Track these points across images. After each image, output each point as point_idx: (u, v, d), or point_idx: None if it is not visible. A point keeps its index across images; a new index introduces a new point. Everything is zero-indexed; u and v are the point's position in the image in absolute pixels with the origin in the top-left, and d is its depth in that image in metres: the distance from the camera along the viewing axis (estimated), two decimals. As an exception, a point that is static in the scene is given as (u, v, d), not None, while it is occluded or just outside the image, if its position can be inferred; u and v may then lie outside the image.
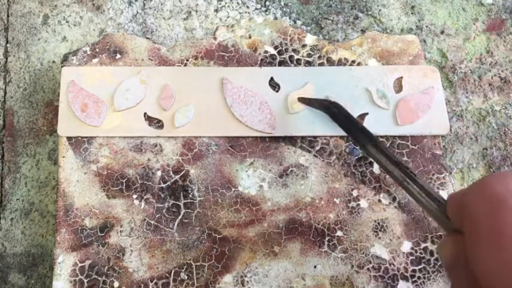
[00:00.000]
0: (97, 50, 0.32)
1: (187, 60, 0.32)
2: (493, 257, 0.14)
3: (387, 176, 0.30)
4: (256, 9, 0.37)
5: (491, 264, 0.15)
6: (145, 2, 0.37)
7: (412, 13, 0.37)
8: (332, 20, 0.36)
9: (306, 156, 0.30)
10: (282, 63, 0.32)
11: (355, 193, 0.30)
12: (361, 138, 0.27)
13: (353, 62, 0.32)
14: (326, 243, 0.29)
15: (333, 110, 0.29)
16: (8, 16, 0.36)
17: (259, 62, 0.32)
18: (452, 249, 0.17)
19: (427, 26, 0.36)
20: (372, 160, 0.28)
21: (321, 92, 0.31)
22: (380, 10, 0.37)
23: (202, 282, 0.28)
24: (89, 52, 0.32)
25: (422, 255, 0.28)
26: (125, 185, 0.29)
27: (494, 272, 0.14)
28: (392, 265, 0.28)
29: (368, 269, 0.28)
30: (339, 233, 0.29)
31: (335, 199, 0.29)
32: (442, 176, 0.30)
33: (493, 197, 0.15)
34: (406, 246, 0.29)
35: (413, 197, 0.23)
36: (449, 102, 0.34)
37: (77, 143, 0.30)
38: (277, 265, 0.28)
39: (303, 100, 0.30)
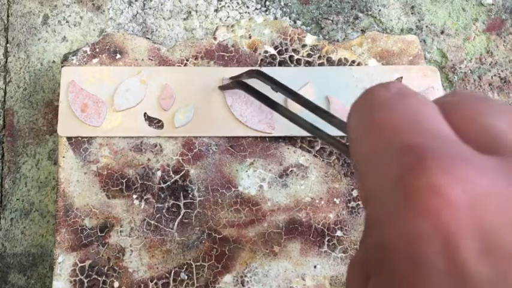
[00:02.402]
0: (97, 50, 0.32)
1: (187, 60, 0.32)
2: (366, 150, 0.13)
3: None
4: (256, 9, 0.37)
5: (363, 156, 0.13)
6: (145, 2, 0.37)
7: (412, 13, 0.37)
8: (332, 20, 0.36)
9: (306, 156, 0.30)
10: (282, 63, 0.32)
11: (355, 193, 0.30)
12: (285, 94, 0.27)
13: (353, 62, 0.32)
14: (326, 243, 0.29)
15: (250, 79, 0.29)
16: (8, 16, 0.36)
17: (259, 62, 0.32)
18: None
19: (427, 26, 0.36)
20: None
21: (321, 92, 0.31)
22: (380, 10, 0.37)
23: (202, 282, 0.28)
24: (89, 52, 0.32)
25: None
26: (125, 185, 0.29)
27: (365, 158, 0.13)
28: (392, 265, 0.28)
29: (368, 269, 0.28)
30: (339, 233, 0.29)
31: (335, 199, 0.29)
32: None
33: (370, 97, 0.14)
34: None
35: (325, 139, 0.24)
36: (449, 102, 0.34)
37: (77, 143, 0.30)
38: (277, 265, 0.28)
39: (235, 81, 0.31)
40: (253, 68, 0.29)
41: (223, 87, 0.31)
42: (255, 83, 0.29)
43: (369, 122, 0.13)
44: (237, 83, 0.30)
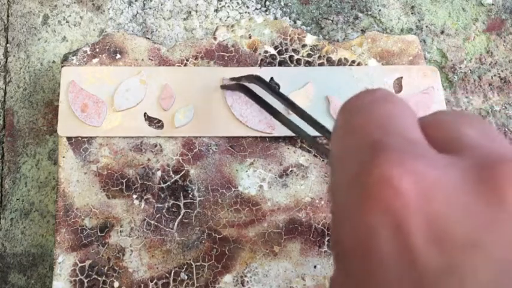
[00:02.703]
0: (97, 50, 0.32)
1: (187, 60, 0.32)
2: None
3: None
4: (256, 9, 0.37)
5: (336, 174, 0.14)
6: (145, 2, 0.37)
7: (412, 13, 0.37)
8: (332, 20, 0.37)
9: (306, 156, 0.30)
10: (282, 63, 0.32)
11: (355, 193, 0.30)
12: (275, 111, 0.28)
13: (353, 62, 0.32)
14: (326, 243, 0.29)
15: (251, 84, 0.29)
16: (8, 16, 0.36)
17: (259, 62, 0.32)
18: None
19: (427, 26, 0.36)
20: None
21: (321, 92, 0.31)
22: (380, 10, 0.37)
23: (202, 282, 0.28)
24: (89, 52, 0.32)
25: None
26: (125, 185, 0.29)
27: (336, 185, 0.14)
28: (392, 265, 0.28)
29: (368, 269, 0.28)
30: (339, 233, 0.29)
31: (335, 199, 0.30)
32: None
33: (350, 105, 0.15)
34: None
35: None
36: (449, 102, 0.34)
37: (77, 143, 0.30)
38: (277, 265, 0.28)
39: (234, 82, 0.31)
40: (253, 74, 0.30)
41: (225, 87, 0.31)
42: (256, 86, 0.29)
43: (346, 124, 0.14)
44: (238, 86, 0.30)
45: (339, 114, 0.15)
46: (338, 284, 0.13)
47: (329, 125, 0.30)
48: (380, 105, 0.14)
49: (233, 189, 0.30)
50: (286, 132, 0.30)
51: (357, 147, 0.13)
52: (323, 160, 0.30)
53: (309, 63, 0.32)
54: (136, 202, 0.29)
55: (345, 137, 0.14)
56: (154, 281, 0.28)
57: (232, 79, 0.31)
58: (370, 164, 0.11)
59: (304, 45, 0.33)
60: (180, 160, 0.30)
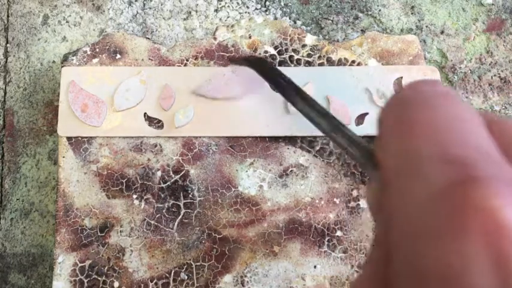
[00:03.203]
0: (97, 50, 0.32)
1: (187, 60, 0.32)
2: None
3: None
4: (256, 9, 0.37)
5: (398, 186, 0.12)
6: (145, 2, 0.37)
7: (412, 13, 0.37)
8: (332, 20, 0.37)
9: (306, 156, 0.30)
10: (282, 63, 0.32)
11: (355, 193, 0.30)
12: (288, 92, 0.26)
13: (353, 62, 0.32)
14: (326, 243, 0.29)
15: (258, 65, 0.28)
16: (8, 16, 0.36)
17: (259, 62, 0.32)
18: (376, 192, 0.15)
19: (427, 26, 0.36)
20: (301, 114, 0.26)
21: (321, 92, 0.31)
22: (380, 10, 0.37)
23: (202, 282, 0.28)
24: (89, 52, 0.32)
25: None
26: (125, 185, 0.29)
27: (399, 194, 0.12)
28: (392, 265, 0.28)
29: (368, 269, 0.28)
30: (339, 233, 0.29)
31: (335, 199, 0.30)
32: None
33: (400, 100, 0.12)
34: (406, 246, 0.29)
35: (341, 147, 0.22)
36: (449, 102, 0.34)
37: (77, 143, 0.30)
38: (277, 265, 0.28)
39: (235, 60, 0.30)
40: (258, 57, 0.29)
41: (233, 61, 0.30)
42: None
43: (407, 119, 0.12)
44: (247, 60, 0.29)
45: (389, 108, 0.13)
46: None
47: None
48: (447, 101, 0.12)
49: (233, 189, 0.30)
50: (286, 132, 0.30)
51: (428, 156, 0.11)
52: (323, 160, 0.30)
53: (309, 63, 0.32)
54: (136, 202, 0.29)
55: (407, 135, 0.12)
56: (154, 281, 0.28)
57: (233, 60, 0.30)
58: (467, 188, 0.10)
59: (304, 45, 0.33)
60: (180, 160, 0.30)
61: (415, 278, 0.11)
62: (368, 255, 0.13)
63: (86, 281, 0.28)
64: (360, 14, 0.37)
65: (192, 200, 0.29)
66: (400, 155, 0.12)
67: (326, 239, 0.29)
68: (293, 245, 0.29)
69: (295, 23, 0.36)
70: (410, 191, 0.11)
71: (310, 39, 0.33)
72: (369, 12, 0.37)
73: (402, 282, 0.11)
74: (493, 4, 0.37)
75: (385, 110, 0.13)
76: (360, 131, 0.30)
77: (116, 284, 0.28)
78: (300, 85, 0.31)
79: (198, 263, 0.28)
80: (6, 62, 0.35)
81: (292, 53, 0.32)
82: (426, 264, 0.11)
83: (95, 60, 0.32)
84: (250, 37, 0.33)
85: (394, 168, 0.12)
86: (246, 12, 0.37)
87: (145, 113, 0.31)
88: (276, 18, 0.36)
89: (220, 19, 0.36)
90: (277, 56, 0.32)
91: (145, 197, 0.29)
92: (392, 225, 0.12)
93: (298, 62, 0.32)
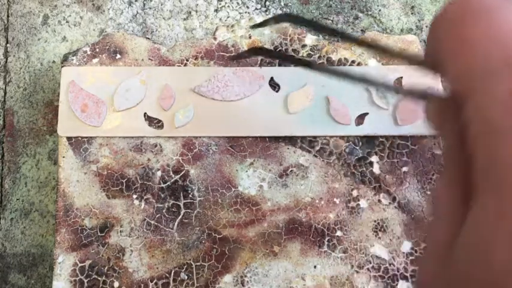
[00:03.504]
0: (97, 50, 0.32)
1: (187, 60, 0.32)
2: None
3: (387, 176, 0.30)
4: (256, 9, 0.37)
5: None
6: (145, 2, 0.37)
7: (412, 13, 0.37)
8: (332, 20, 0.37)
9: (306, 156, 0.30)
10: (282, 63, 0.32)
11: (355, 193, 0.30)
12: (304, 63, 0.25)
13: (353, 62, 0.32)
14: (326, 243, 0.29)
15: (262, 52, 0.28)
16: (8, 16, 0.36)
17: (259, 62, 0.32)
18: (437, 105, 0.15)
19: (427, 26, 0.36)
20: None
21: (321, 92, 0.31)
22: (380, 10, 0.37)
23: (202, 282, 0.28)
24: (89, 52, 0.32)
25: (422, 255, 0.28)
26: (125, 185, 0.29)
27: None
28: (392, 265, 0.28)
29: (368, 269, 0.28)
30: (339, 233, 0.29)
31: (335, 199, 0.30)
32: (442, 176, 0.30)
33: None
34: (406, 246, 0.29)
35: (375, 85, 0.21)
36: (449, 102, 0.34)
37: (77, 143, 0.30)
38: (277, 265, 0.28)
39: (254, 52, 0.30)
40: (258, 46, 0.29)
41: (235, 57, 0.30)
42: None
43: (472, 30, 0.12)
44: (253, 51, 0.29)
45: (437, 23, 0.13)
46: None
47: (329, 126, 0.30)
48: (498, 15, 0.12)
49: (233, 189, 0.30)
50: (286, 132, 0.30)
51: (496, 61, 0.11)
52: (323, 160, 0.30)
53: (309, 63, 0.32)
54: (136, 202, 0.29)
55: (469, 51, 0.12)
56: (154, 281, 0.28)
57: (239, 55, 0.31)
58: None
59: (304, 45, 0.33)
60: (180, 160, 0.30)
61: (502, 169, 0.11)
62: (444, 165, 0.14)
63: (86, 281, 0.28)
64: (360, 14, 0.37)
65: (192, 200, 0.29)
66: (471, 68, 0.12)
67: (326, 239, 0.29)
68: (293, 245, 0.29)
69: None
70: (489, 93, 0.12)
71: (310, 39, 0.33)
72: (369, 12, 0.37)
73: (489, 175, 0.12)
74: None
75: (436, 24, 0.14)
76: (360, 131, 0.30)
77: (116, 284, 0.28)
78: (300, 85, 0.31)
79: (198, 263, 0.28)
80: (6, 62, 0.35)
81: (292, 53, 0.32)
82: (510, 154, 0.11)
83: (95, 60, 0.32)
84: (250, 37, 0.33)
85: (468, 80, 0.12)
86: (246, 12, 0.37)
87: (145, 113, 0.31)
88: (276, 18, 0.36)
89: (220, 19, 0.36)
90: (277, 56, 0.32)
91: (145, 197, 0.29)
92: (473, 129, 0.12)
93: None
